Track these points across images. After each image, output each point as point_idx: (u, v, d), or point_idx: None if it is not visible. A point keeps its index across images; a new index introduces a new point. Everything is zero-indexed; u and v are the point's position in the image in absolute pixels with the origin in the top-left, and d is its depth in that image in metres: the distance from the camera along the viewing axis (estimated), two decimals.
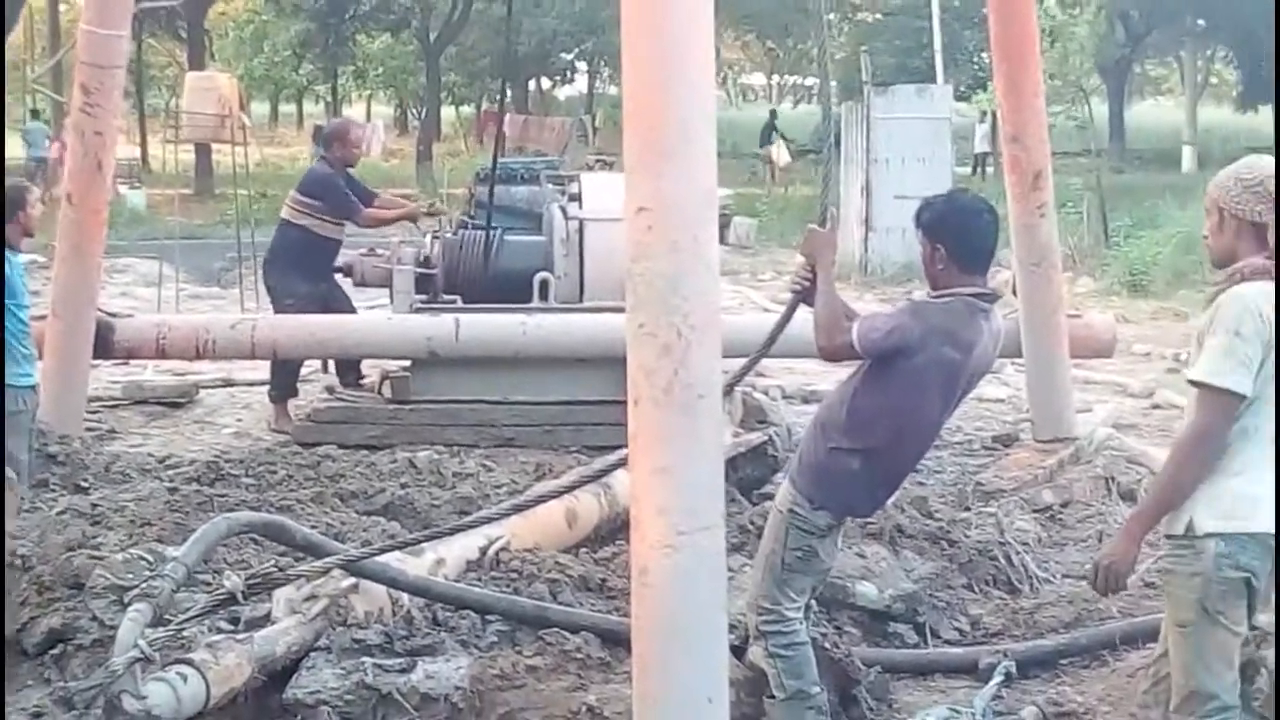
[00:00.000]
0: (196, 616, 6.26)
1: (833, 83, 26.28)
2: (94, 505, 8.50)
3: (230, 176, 24.50)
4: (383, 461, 9.98)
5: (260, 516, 7.36)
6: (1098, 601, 7.30)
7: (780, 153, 41.70)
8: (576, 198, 12.45)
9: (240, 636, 6.32)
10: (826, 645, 6.48)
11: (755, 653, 6.13)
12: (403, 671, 6.22)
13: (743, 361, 6.65)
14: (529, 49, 49.22)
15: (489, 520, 7.27)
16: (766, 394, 12.40)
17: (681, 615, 5.05)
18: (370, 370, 12.55)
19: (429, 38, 47.52)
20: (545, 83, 68.77)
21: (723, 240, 21.32)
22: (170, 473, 10.14)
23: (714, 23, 5.20)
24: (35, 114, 37.59)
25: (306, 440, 11.24)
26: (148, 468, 10.45)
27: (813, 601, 6.34)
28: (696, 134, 5.07)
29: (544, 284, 11.81)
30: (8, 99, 60.10)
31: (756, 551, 6.41)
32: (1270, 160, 5.18)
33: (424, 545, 7.18)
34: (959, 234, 5.89)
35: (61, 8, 49.82)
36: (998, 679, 6.77)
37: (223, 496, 8.75)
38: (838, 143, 23.99)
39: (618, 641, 6.40)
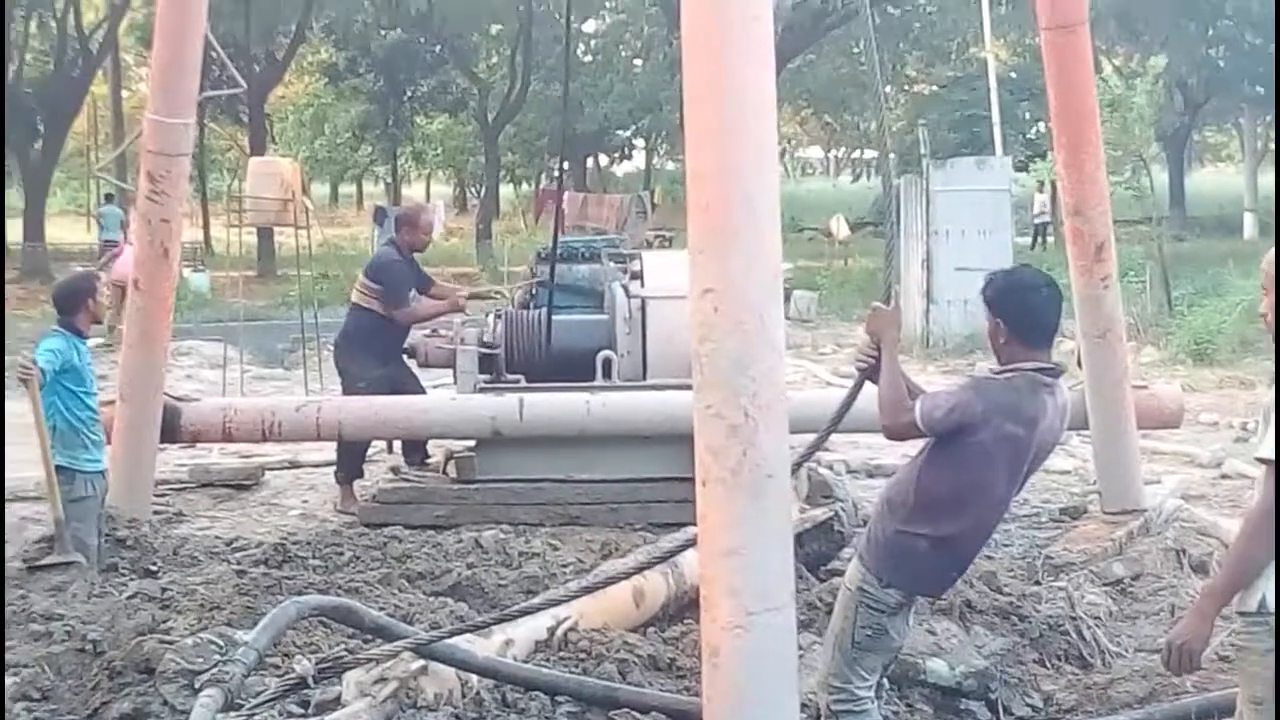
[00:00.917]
0: (268, 701, 6.28)
1: (891, 156, 26.37)
2: (163, 589, 8.55)
3: (292, 258, 24.74)
4: (449, 542, 9.98)
5: (330, 600, 7.38)
6: (1172, 677, 7.22)
7: (840, 226, 41.74)
8: (638, 276, 12.46)
9: None
10: None
11: None
12: None
13: (808, 438, 6.64)
14: (588, 127, 49.46)
15: (559, 601, 7.26)
16: (831, 469, 12.37)
17: (752, 695, 5.05)
18: (435, 450, 12.58)
19: (487, 118, 47.89)
20: (603, 159, 69.07)
21: (784, 314, 21.34)
22: (238, 555, 10.19)
23: None
24: (109, 198, 37.96)
25: (373, 521, 11.26)
26: (216, 550, 10.50)
27: (884, 679, 6.31)
28: (762, 215, 5.10)
29: (607, 362, 11.83)
30: (75, 185, 60.98)
31: (825, 629, 6.39)
32: None
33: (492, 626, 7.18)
34: (1020, 309, 5.89)
35: (124, 94, 50.44)
36: None
37: (291, 579, 8.76)
38: (898, 217, 23.98)
39: None
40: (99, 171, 39.10)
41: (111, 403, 10.75)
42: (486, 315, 13.03)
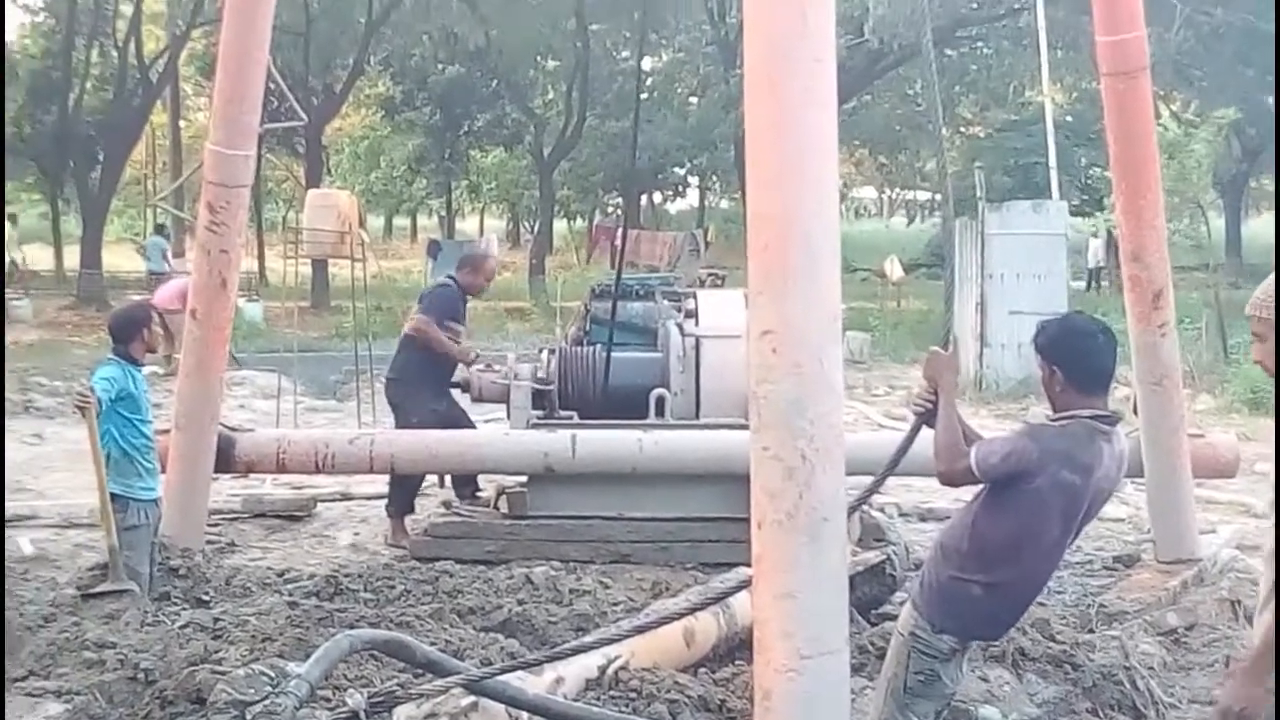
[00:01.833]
0: None
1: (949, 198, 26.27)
2: (216, 619, 8.58)
3: (346, 289, 24.82)
4: (500, 577, 9.97)
5: (382, 634, 7.38)
6: None
7: (894, 267, 41.66)
8: (692, 314, 12.46)
9: None
10: None
11: None
12: None
13: (863, 480, 6.63)
14: (643, 164, 49.59)
15: (612, 640, 7.25)
16: (883, 512, 12.33)
17: None
18: (487, 485, 12.60)
19: (542, 153, 48.04)
20: (657, 196, 69.19)
21: None
22: (290, 587, 10.20)
23: None
24: (160, 229, 38.24)
25: (424, 555, 11.28)
26: (268, 581, 10.51)
27: None
28: (821, 257, 5.10)
29: (660, 400, 11.83)
30: (133, 214, 61.45)
31: (877, 674, 6.37)
32: None
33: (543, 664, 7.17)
34: (1076, 357, 5.86)
35: (182, 123, 50.84)
36: None
37: (342, 611, 8.78)
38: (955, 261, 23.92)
39: None
40: (158, 201, 39.39)
41: (167, 431, 10.80)
42: (540, 351, 13.06)
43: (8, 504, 13.65)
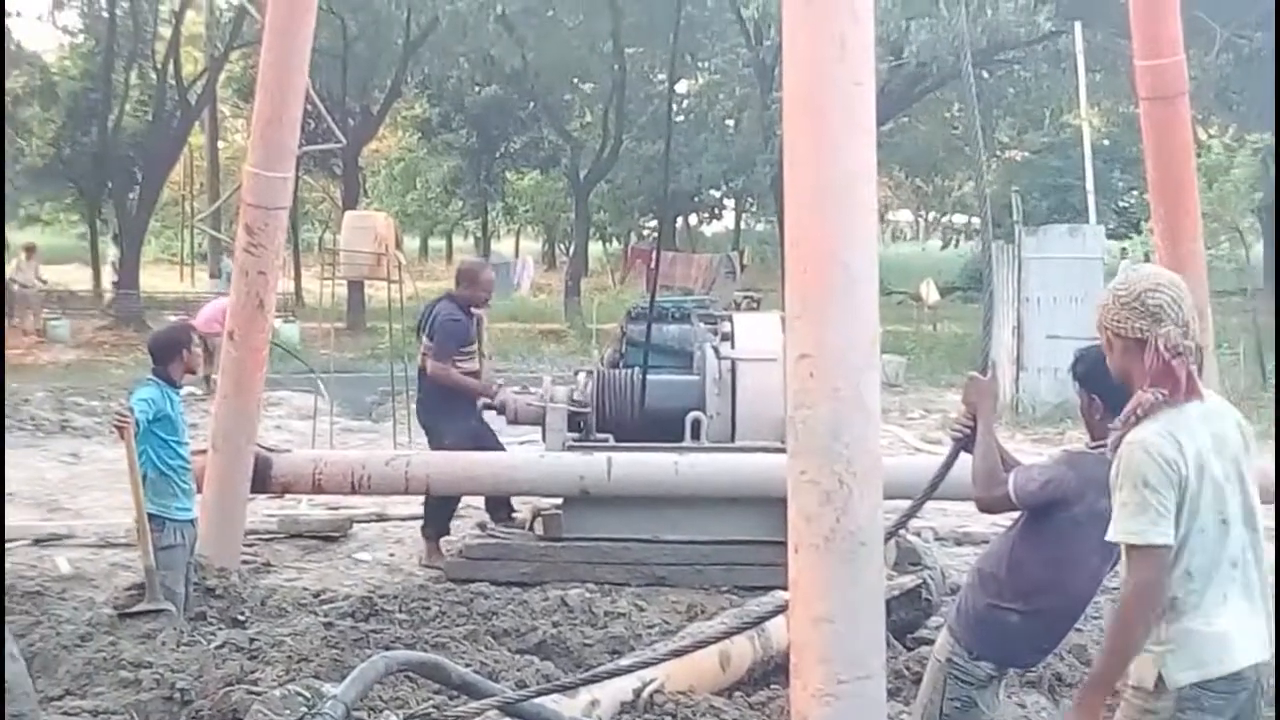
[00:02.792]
0: None
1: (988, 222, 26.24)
2: (251, 639, 8.57)
3: (382, 310, 24.85)
4: (535, 599, 9.98)
5: (418, 655, 7.38)
6: None
7: (930, 291, 41.58)
8: (729, 337, 12.45)
9: None
10: None
11: None
12: None
13: (899, 505, 6.61)
14: (678, 186, 49.59)
15: (648, 663, 7.24)
16: (919, 536, 12.29)
17: None
18: (521, 506, 12.59)
19: (578, 175, 48.05)
20: (692, 219, 69.14)
21: None
22: (325, 607, 10.21)
23: None
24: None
25: (459, 576, 11.28)
26: (303, 602, 10.53)
27: None
28: (860, 281, 5.10)
29: (696, 423, 11.81)
30: (170, 233, 61.74)
31: (912, 699, 6.35)
32: (1144, 274, 5.05)
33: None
34: (1114, 385, 5.81)
35: (219, 144, 51.06)
36: None
37: (377, 632, 8.79)
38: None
39: None
40: (197, 223, 39.56)
41: (203, 452, 10.83)
42: (576, 373, 13.05)
43: (45, 523, 13.75)
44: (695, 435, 11.79)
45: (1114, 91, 40.42)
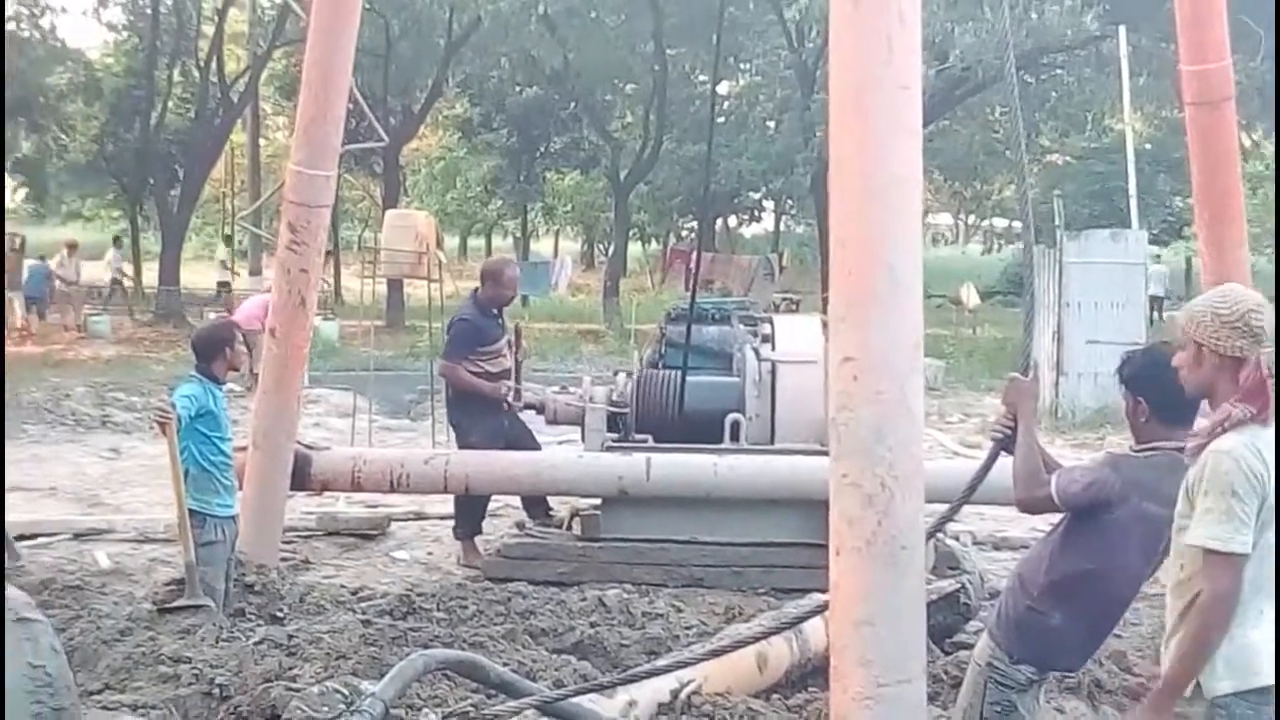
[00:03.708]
0: None
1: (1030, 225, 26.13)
2: (290, 636, 8.58)
3: (421, 308, 24.94)
4: (572, 599, 9.97)
5: (456, 654, 7.38)
6: None
7: (970, 294, 41.46)
8: (769, 339, 12.43)
9: None
10: None
11: None
12: None
13: (938, 508, 6.59)
14: (719, 187, 49.53)
15: (686, 664, 7.23)
16: (958, 540, 12.25)
17: None
18: (559, 506, 12.59)
19: (618, 176, 48.02)
20: (732, 220, 69.10)
21: None
22: (364, 605, 10.22)
23: None
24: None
25: (497, 575, 11.27)
26: (341, 599, 10.55)
27: None
28: (904, 284, 5.09)
29: (735, 425, 11.80)
30: (210, 232, 62.02)
31: (951, 703, 6.33)
32: (1244, 294, 5.09)
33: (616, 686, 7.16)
34: (1161, 388, 5.78)
35: (261, 142, 51.18)
36: None
37: (416, 631, 8.79)
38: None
39: None
40: (240, 220, 39.69)
41: (244, 448, 10.86)
42: (615, 374, 13.04)
43: (85, 518, 13.82)
44: (734, 437, 11.77)
45: (1158, 96, 40.20)
